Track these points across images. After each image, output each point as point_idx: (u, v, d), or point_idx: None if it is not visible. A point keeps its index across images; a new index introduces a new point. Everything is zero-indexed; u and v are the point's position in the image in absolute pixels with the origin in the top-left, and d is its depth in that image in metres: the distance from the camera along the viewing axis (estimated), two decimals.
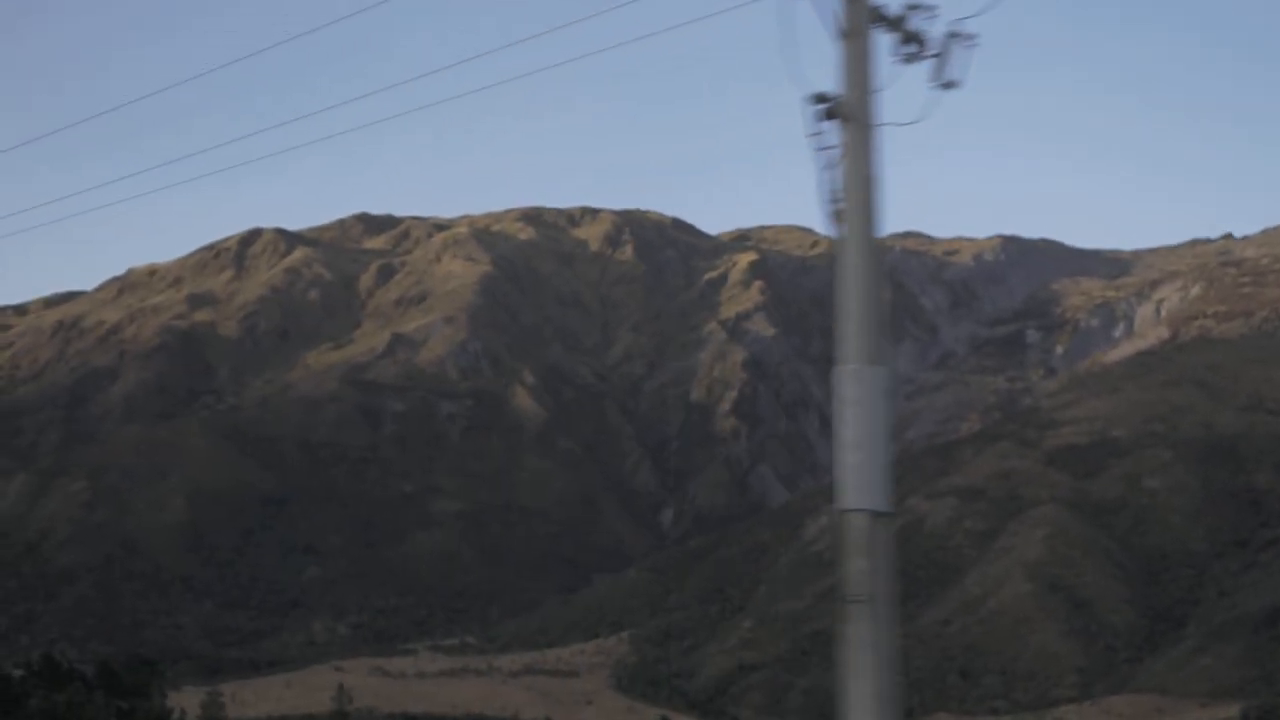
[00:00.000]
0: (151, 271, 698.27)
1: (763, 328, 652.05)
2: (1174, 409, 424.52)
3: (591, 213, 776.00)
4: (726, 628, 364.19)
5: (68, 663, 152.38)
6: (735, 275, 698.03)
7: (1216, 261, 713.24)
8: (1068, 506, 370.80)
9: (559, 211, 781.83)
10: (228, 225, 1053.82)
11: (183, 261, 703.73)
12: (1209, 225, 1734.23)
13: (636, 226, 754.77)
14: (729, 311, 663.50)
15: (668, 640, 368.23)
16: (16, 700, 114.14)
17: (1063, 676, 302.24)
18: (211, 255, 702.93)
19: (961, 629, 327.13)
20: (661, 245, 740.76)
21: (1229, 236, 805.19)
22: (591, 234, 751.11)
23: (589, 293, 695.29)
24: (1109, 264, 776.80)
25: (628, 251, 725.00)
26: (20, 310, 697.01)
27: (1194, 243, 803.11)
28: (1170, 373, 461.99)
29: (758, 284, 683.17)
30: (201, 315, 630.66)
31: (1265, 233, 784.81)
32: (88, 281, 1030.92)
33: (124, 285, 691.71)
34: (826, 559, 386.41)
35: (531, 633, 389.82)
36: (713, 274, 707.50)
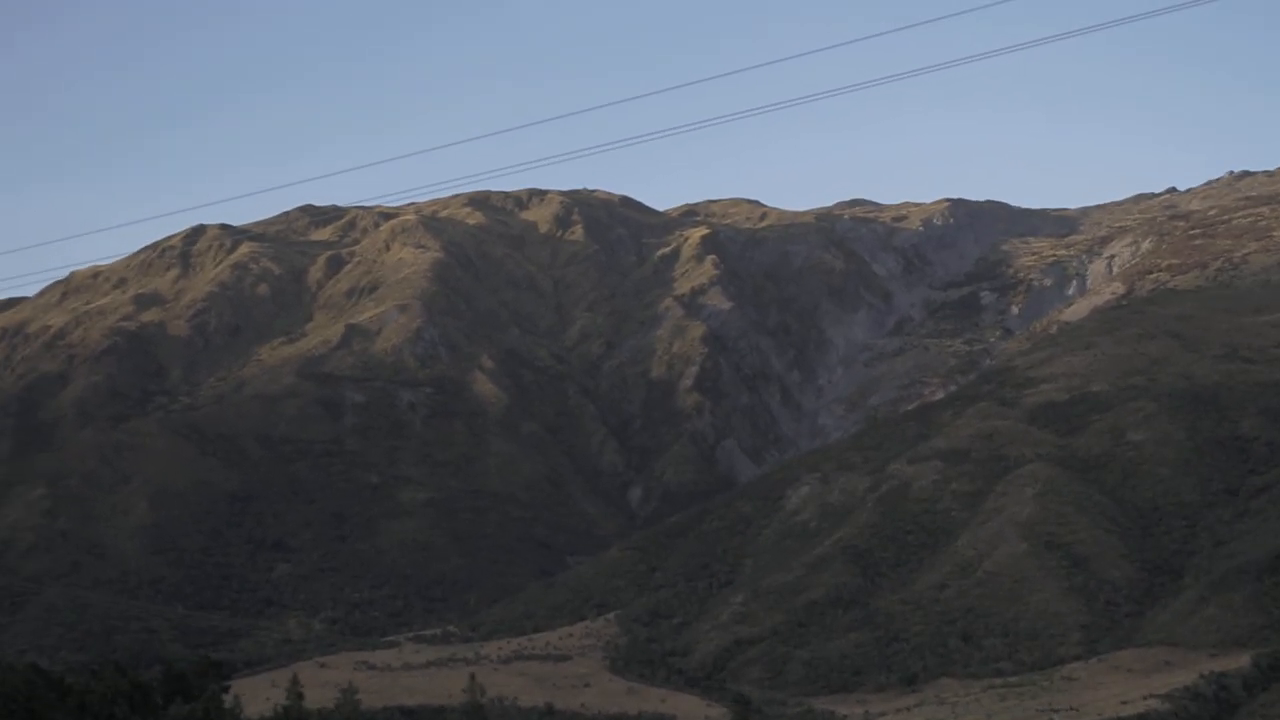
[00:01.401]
0: (95, 273, 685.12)
1: (719, 301, 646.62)
2: (1152, 361, 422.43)
3: (539, 194, 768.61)
4: (716, 603, 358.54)
5: (131, 669, 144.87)
6: (687, 250, 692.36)
7: (1164, 215, 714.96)
8: (1054, 463, 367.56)
9: (506, 195, 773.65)
10: (170, 225, 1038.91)
11: (126, 262, 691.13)
12: (1151, 180, 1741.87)
13: (585, 206, 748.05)
14: (684, 287, 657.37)
15: (657, 619, 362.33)
16: (154, 711, 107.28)
17: (1067, 634, 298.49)
18: (155, 254, 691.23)
19: (959, 592, 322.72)
20: (611, 224, 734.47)
21: (1173, 190, 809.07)
22: (540, 216, 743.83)
23: (541, 275, 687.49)
24: (1056, 222, 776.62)
25: (578, 231, 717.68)
26: None
27: (1139, 198, 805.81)
28: (1143, 326, 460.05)
29: (710, 258, 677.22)
30: (149, 315, 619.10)
31: (1208, 184, 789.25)
32: (28, 287, 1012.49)
33: (67, 289, 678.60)
34: (812, 529, 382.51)
35: (515, 618, 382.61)
36: (665, 250, 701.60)
